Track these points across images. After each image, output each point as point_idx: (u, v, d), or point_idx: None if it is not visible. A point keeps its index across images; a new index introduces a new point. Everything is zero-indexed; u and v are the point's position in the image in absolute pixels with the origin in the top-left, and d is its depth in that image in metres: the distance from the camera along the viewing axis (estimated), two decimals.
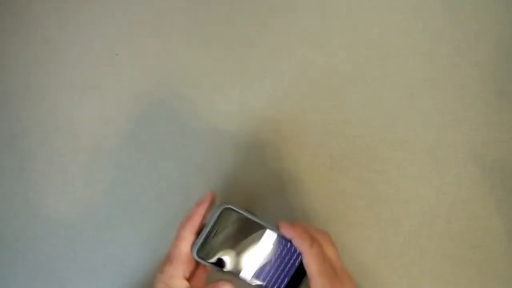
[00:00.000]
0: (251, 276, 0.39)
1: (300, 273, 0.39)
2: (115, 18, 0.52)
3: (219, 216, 0.38)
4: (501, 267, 0.47)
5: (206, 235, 0.38)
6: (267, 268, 0.39)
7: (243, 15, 0.52)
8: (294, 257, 0.39)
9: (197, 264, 0.39)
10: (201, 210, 0.39)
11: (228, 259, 0.39)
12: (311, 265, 0.37)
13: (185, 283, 0.37)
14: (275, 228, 0.39)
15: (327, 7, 0.52)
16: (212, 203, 0.40)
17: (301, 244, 0.37)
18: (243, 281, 0.39)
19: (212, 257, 0.38)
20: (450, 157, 0.49)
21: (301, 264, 0.38)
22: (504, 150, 0.49)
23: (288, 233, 0.38)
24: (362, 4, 0.52)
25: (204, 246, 0.38)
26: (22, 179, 0.50)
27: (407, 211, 0.48)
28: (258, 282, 0.39)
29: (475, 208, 0.48)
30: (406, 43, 0.51)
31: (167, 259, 0.37)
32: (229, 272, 0.39)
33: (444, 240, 0.48)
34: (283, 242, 0.39)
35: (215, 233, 0.38)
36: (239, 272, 0.39)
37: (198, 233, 0.38)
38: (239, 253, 0.39)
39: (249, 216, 0.39)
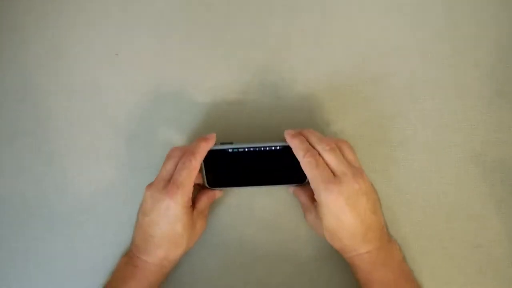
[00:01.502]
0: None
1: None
2: (115, 18, 0.52)
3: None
4: (501, 267, 0.47)
5: (204, 172, 0.45)
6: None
7: (243, 15, 0.52)
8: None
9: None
10: (209, 146, 0.43)
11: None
12: (306, 172, 0.41)
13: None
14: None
15: (327, 7, 0.52)
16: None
17: (296, 154, 0.41)
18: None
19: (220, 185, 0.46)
20: (450, 157, 0.49)
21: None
22: (504, 150, 0.49)
23: (288, 141, 0.43)
24: (362, 4, 0.52)
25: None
26: (22, 179, 0.50)
27: (407, 211, 0.48)
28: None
29: (475, 208, 0.48)
30: (406, 43, 0.51)
31: (175, 185, 0.40)
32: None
33: (444, 240, 0.48)
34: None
35: (210, 169, 0.45)
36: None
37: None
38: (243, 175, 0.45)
39: (230, 146, 0.44)
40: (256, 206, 0.49)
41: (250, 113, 0.50)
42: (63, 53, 0.52)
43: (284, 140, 0.43)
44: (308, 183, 0.41)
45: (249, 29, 0.52)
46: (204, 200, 0.45)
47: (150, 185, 0.42)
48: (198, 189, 0.47)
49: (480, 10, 0.52)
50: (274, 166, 0.45)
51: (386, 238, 0.42)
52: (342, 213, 0.39)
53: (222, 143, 0.44)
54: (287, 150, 0.43)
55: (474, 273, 0.47)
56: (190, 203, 0.42)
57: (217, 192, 0.47)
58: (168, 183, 0.41)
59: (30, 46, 0.52)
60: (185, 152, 0.42)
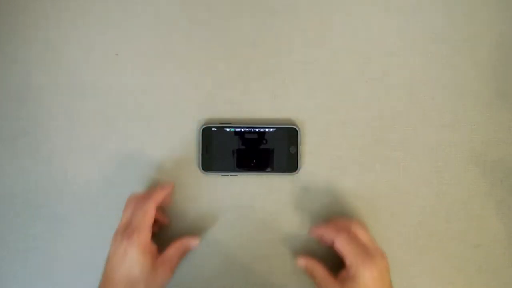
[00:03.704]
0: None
1: None
2: (115, 18, 0.52)
3: (202, 134, 0.47)
4: (501, 267, 0.47)
5: (201, 152, 0.47)
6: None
7: (243, 15, 0.52)
8: None
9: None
10: (164, 192, 0.45)
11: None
12: (341, 248, 0.42)
13: (154, 245, 0.43)
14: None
15: (327, 7, 0.52)
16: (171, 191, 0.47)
17: (330, 235, 0.43)
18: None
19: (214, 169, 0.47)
20: (450, 157, 0.49)
21: None
22: (504, 150, 0.49)
23: (316, 232, 0.45)
24: (362, 4, 0.52)
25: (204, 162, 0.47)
26: (22, 179, 0.50)
27: (407, 211, 0.48)
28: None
29: (475, 208, 0.48)
30: (406, 43, 0.51)
31: (131, 228, 0.41)
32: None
33: (444, 240, 0.48)
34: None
35: (207, 150, 0.47)
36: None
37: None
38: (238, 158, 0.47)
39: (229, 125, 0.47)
40: (256, 206, 0.49)
41: (249, 113, 0.50)
42: (63, 53, 0.52)
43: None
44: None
45: (249, 29, 0.52)
46: (173, 250, 0.44)
47: (114, 233, 0.43)
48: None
49: (480, 10, 0.52)
50: (269, 152, 0.47)
51: None
52: None
53: (221, 123, 0.48)
54: (282, 133, 0.47)
55: (474, 273, 0.47)
56: (150, 247, 0.42)
57: (192, 241, 0.46)
58: (127, 228, 0.42)
59: (30, 46, 0.52)
60: (141, 197, 0.44)
